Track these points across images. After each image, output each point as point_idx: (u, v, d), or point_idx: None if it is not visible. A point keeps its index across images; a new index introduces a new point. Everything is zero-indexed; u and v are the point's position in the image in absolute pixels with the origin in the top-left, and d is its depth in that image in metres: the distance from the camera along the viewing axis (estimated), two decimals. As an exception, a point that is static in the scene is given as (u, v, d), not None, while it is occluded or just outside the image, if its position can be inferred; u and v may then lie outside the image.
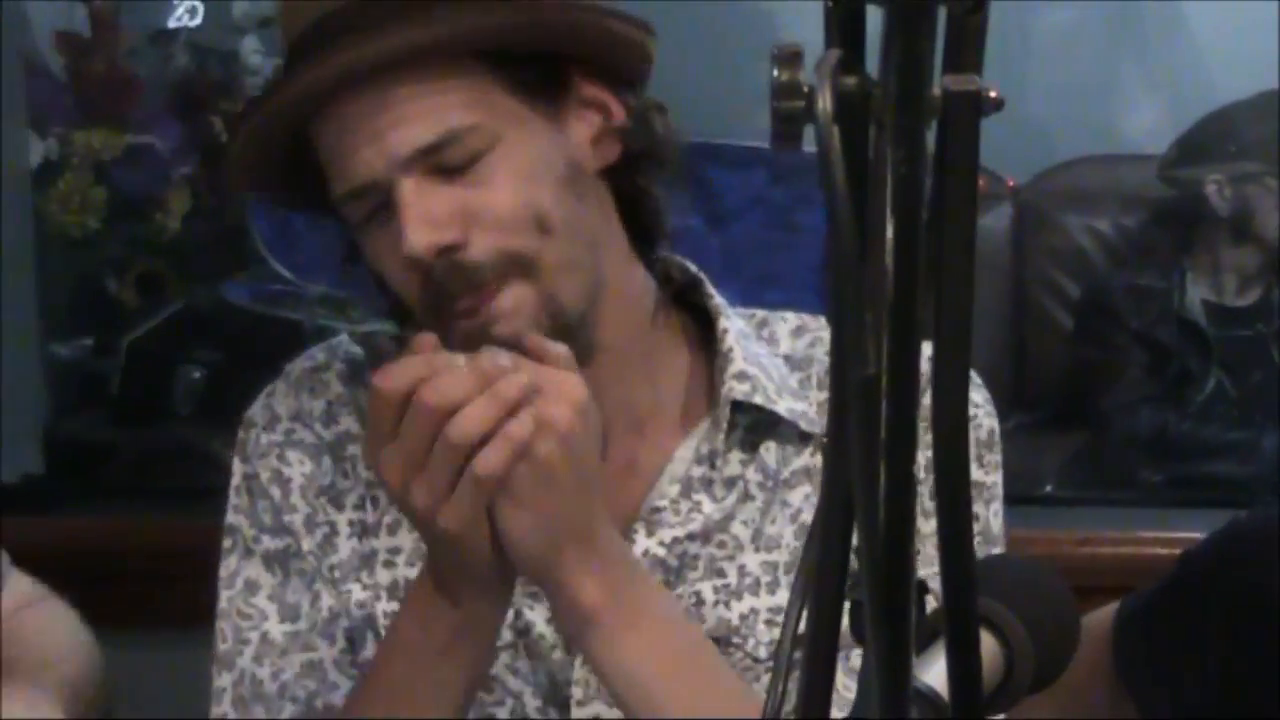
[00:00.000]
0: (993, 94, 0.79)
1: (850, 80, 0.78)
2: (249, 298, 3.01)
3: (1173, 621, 1.92)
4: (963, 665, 0.85)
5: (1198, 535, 1.94)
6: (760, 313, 1.85)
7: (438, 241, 1.59)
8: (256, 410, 1.81)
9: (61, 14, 3.07)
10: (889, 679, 0.79)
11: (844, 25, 0.79)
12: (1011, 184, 3.77)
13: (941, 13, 0.78)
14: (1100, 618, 1.94)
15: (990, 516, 1.75)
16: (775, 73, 0.79)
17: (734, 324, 1.77)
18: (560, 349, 1.58)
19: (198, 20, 3.13)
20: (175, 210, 3.04)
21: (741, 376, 1.74)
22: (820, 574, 0.82)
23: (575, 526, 1.60)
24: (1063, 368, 3.58)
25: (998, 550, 1.74)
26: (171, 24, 3.12)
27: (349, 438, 1.78)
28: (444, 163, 1.61)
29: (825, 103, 0.76)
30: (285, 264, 2.96)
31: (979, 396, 1.76)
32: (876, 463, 0.78)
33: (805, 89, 0.78)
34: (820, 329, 1.80)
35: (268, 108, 1.65)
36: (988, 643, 1.16)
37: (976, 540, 1.71)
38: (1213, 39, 4.00)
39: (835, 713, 0.90)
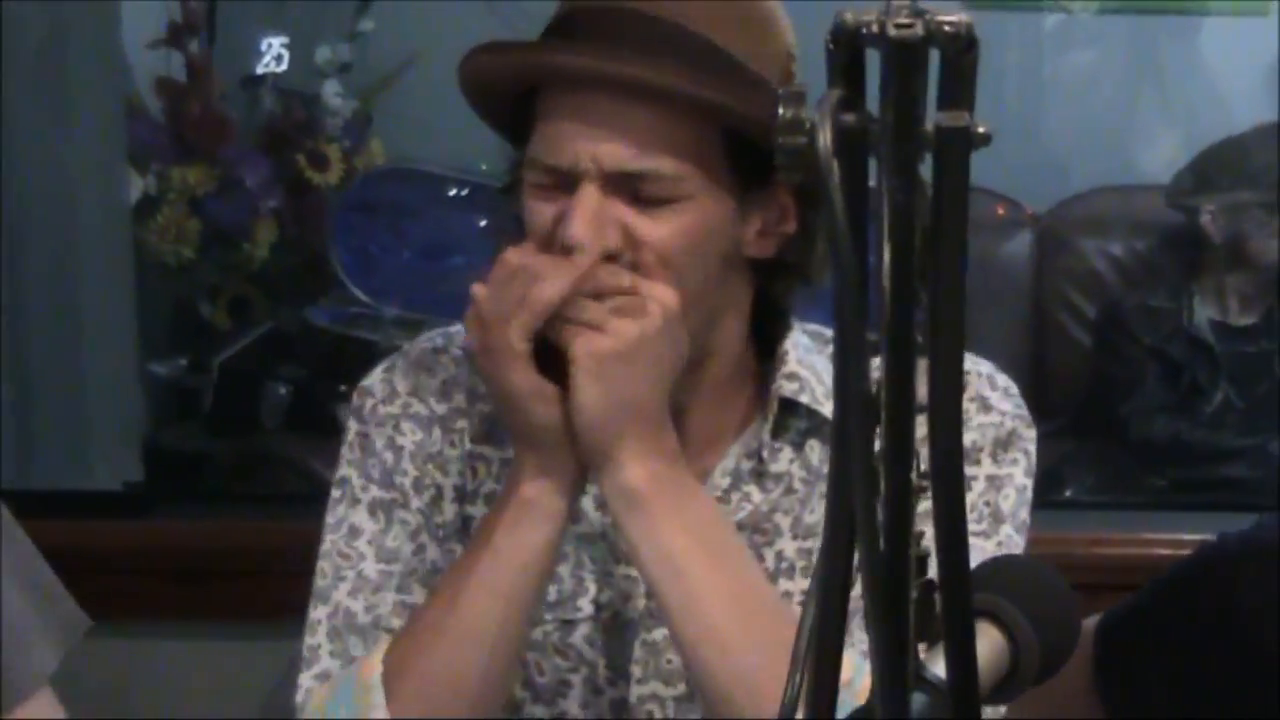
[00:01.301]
0: (981, 130, 0.79)
1: (850, 117, 0.78)
2: (329, 320, 3.02)
3: (1147, 636, 1.90)
4: (960, 653, 0.85)
5: (1206, 537, 1.94)
6: (830, 331, 1.87)
7: (598, 242, 1.61)
8: (375, 382, 1.83)
9: (160, 61, 3.08)
10: (888, 678, 0.79)
11: (845, 66, 0.79)
12: (1031, 212, 3.76)
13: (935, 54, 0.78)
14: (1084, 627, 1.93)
15: (1000, 500, 1.74)
16: (780, 111, 0.79)
17: (797, 336, 1.78)
18: (664, 288, 1.62)
19: (283, 66, 3.14)
20: (263, 240, 3.04)
21: (791, 377, 1.75)
22: (826, 572, 0.82)
23: (640, 412, 1.64)
24: (1081, 381, 3.58)
25: (1008, 528, 1.74)
26: (259, 70, 3.13)
27: (458, 413, 1.80)
28: (636, 189, 1.62)
29: (825, 138, 0.76)
30: (363, 289, 2.97)
31: (1007, 404, 1.76)
32: (874, 470, 0.78)
33: (808, 125, 0.78)
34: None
35: (528, 50, 1.67)
36: (995, 636, 1.15)
37: (987, 520, 1.74)
38: (1227, 75, 3.99)
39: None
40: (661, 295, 1.63)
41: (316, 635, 1.78)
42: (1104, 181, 3.87)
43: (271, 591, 2.09)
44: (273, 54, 3.13)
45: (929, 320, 0.79)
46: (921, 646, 0.93)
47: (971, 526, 1.74)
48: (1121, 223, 3.75)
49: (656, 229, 1.64)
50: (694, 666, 1.69)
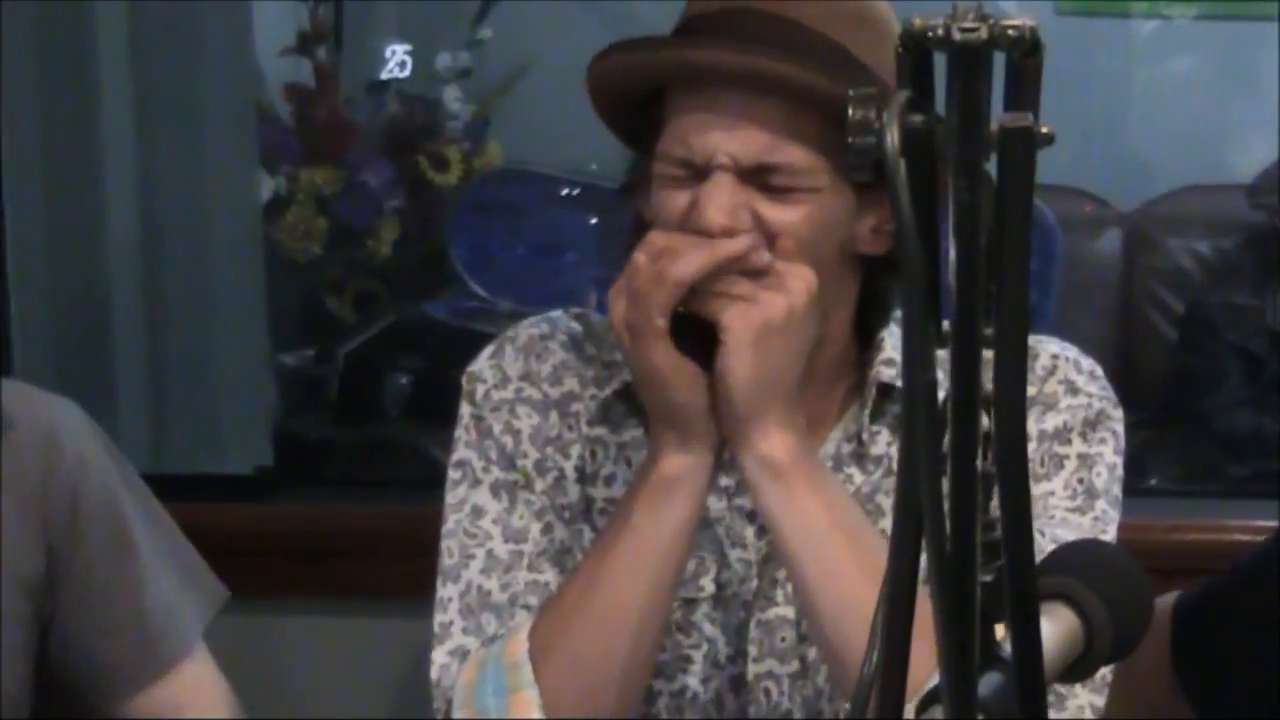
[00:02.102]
0: (1045, 130, 0.78)
1: (917, 118, 0.78)
2: (448, 313, 3.03)
3: (1224, 618, 1.88)
4: (1024, 633, 0.84)
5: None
6: None
7: (727, 225, 1.62)
8: (483, 368, 1.83)
9: (290, 68, 3.10)
10: (953, 660, 0.78)
11: (913, 69, 0.78)
12: (1120, 211, 3.73)
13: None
14: (1160, 606, 1.91)
15: (1093, 478, 1.74)
16: (851, 112, 0.79)
17: (892, 325, 1.78)
18: (806, 268, 1.63)
19: (406, 72, 3.16)
20: (386, 238, 3.05)
21: (889, 363, 1.75)
22: (896, 556, 0.81)
23: (782, 385, 1.65)
24: (1167, 374, 3.54)
25: (1102, 503, 1.74)
26: (383, 76, 3.15)
27: (572, 396, 1.81)
28: (766, 180, 1.64)
29: (893, 138, 0.75)
30: (480, 284, 2.98)
31: (1094, 386, 1.76)
32: (939, 455, 0.77)
33: (877, 126, 0.77)
34: None
35: (663, 47, 1.69)
36: (1070, 618, 1.14)
37: (1082, 496, 1.73)
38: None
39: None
40: (804, 274, 1.64)
41: (448, 612, 1.78)
42: (1191, 181, 3.83)
43: (392, 572, 2.11)
44: (396, 61, 3.15)
45: (994, 314, 0.79)
46: (1000, 627, 0.92)
47: (1066, 504, 1.73)
48: (1208, 221, 3.71)
49: (787, 215, 1.65)
50: (832, 637, 1.68)
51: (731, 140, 1.63)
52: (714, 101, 1.64)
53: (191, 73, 2.76)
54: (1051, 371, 1.77)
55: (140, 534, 2.07)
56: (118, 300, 2.77)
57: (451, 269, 3.02)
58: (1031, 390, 1.74)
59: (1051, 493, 1.73)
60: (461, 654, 1.75)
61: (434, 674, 1.76)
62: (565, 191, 2.92)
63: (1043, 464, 1.74)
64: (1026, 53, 0.77)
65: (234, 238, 2.81)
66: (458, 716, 1.71)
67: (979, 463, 0.81)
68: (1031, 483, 1.69)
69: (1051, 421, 1.74)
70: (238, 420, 2.82)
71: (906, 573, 0.83)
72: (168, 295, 2.78)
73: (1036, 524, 1.66)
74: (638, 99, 1.70)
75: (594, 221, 2.85)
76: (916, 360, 0.75)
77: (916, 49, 0.77)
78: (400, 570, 1.93)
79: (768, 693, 1.77)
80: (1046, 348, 1.79)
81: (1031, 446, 1.72)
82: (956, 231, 0.76)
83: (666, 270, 1.61)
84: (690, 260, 1.62)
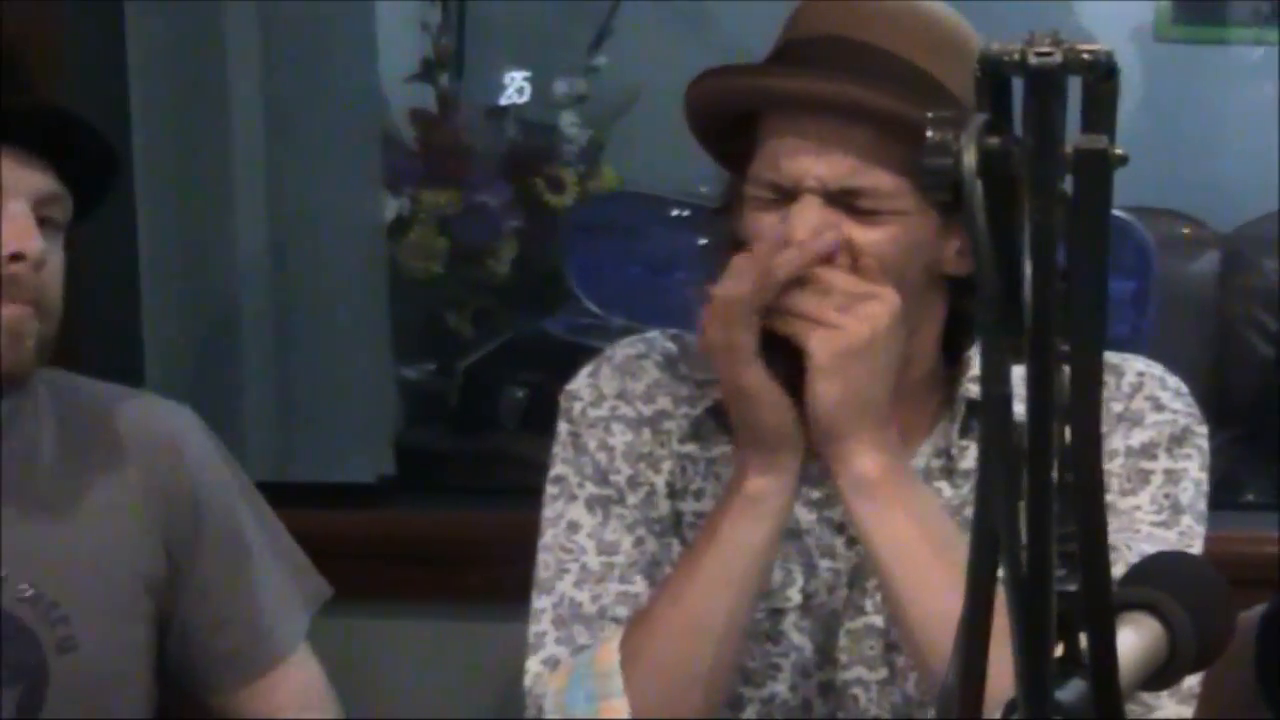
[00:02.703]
0: (1119, 152, 0.77)
1: (994, 140, 0.77)
2: (564, 329, 3.03)
3: None
4: (1100, 643, 0.83)
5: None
6: None
7: (818, 239, 1.64)
8: (581, 386, 1.85)
9: (414, 94, 3.12)
10: (1029, 673, 0.78)
11: (990, 92, 0.78)
12: (1217, 232, 3.69)
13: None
14: (1250, 616, 1.89)
15: (1179, 493, 1.73)
16: (929, 134, 0.78)
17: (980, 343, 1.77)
18: (888, 290, 1.64)
19: (525, 99, 3.17)
20: (504, 257, 3.07)
21: (977, 380, 1.73)
22: (974, 569, 0.81)
23: (870, 407, 1.64)
24: (1262, 392, 3.50)
25: (1188, 519, 1.73)
26: (503, 102, 3.16)
27: (664, 415, 1.82)
28: (853, 204, 1.64)
29: (969, 159, 0.75)
30: (593, 301, 2.98)
31: (1179, 403, 1.75)
32: (1014, 467, 0.76)
33: (955, 148, 0.77)
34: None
35: (756, 74, 1.71)
36: (1154, 627, 1.13)
37: (1168, 511, 1.71)
38: None
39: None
40: (888, 297, 1.64)
41: (542, 623, 1.79)
42: (1287, 205, 3.79)
43: (504, 577, 2.10)
44: (515, 87, 3.16)
45: (1070, 332, 0.78)
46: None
47: (1151, 518, 1.72)
48: (1304, 243, 3.67)
49: (872, 237, 1.65)
50: (919, 647, 1.68)
51: (819, 164, 1.63)
52: (803, 127, 1.65)
53: (320, 99, 2.78)
54: (1138, 388, 1.75)
55: (253, 534, 2.09)
56: (247, 314, 2.80)
57: (566, 287, 3.02)
58: (1118, 407, 1.73)
59: (1138, 507, 1.71)
60: (553, 663, 1.76)
61: (527, 682, 1.77)
62: (675, 212, 2.92)
63: (1129, 479, 1.72)
64: (1102, 77, 0.77)
65: (359, 256, 2.83)
66: None
67: (1055, 475, 0.80)
68: (1118, 498, 1.71)
69: (1138, 437, 1.73)
70: (361, 430, 2.84)
71: (984, 583, 0.82)
72: (295, 310, 2.80)
73: (1122, 538, 1.65)
74: (730, 122, 1.71)
75: (702, 242, 2.84)
76: (991, 375, 0.74)
77: (994, 73, 0.77)
78: (512, 575, 1.93)
79: (855, 699, 1.77)
80: (1133, 365, 1.77)
81: (1118, 462, 1.71)
82: (1032, 250, 0.75)
83: (757, 279, 1.62)
84: (784, 260, 1.62)
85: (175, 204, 2.76)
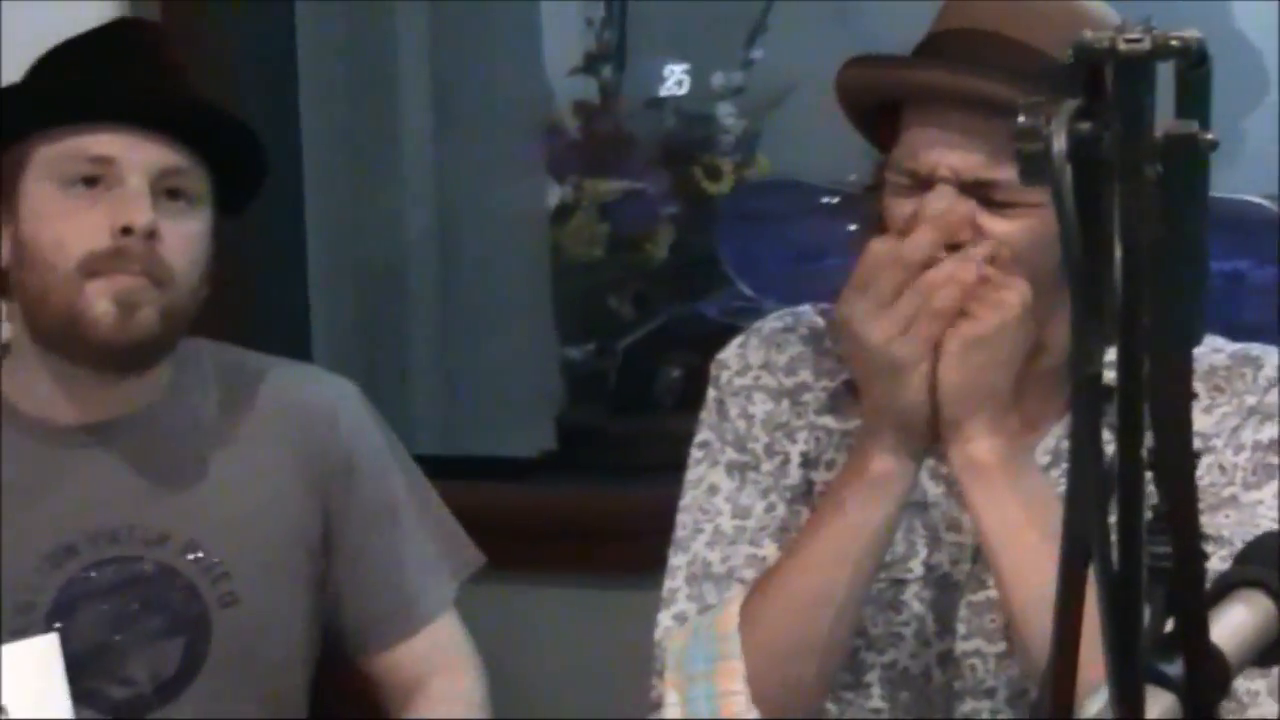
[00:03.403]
0: (1209, 137, 0.75)
1: (1085, 125, 0.75)
2: (719, 312, 3.02)
3: None
4: (1191, 629, 0.81)
5: None
6: None
7: (945, 241, 1.63)
8: (729, 355, 1.86)
9: (578, 86, 3.12)
10: (1118, 660, 0.76)
11: (1083, 79, 0.76)
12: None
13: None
14: None
15: None
16: (1020, 119, 0.77)
17: None
18: (1020, 280, 1.62)
19: (684, 90, 3.15)
20: (662, 242, 3.06)
21: (1110, 366, 1.71)
22: (1069, 546, 0.79)
23: (992, 394, 1.64)
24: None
25: None
26: (662, 93, 3.15)
27: (804, 387, 1.82)
28: (986, 194, 1.63)
29: (1059, 144, 0.74)
30: (748, 285, 2.96)
31: None
32: (1100, 448, 0.75)
33: (1045, 133, 0.75)
34: (1212, 351, 1.75)
35: (895, 67, 1.71)
36: (1265, 603, 1.11)
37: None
38: None
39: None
40: (1019, 287, 1.62)
41: (675, 580, 1.80)
42: None
43: (659, 553, 2.10)
44: (674, 79, 3.14)
45: (1158, 315, 0.76)
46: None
47: (1271, 514, 1.68)
48: None
49: (1005, 228, 1.64)
50: (1021, 628, 1.67)
51: (953, 156, 1.63)
52: (939, 118, 1.64)
53: (487, 90, 2.80)
54: (1275, 383, 1.72)
55: (405, 502, 2.11)
56: (414, 294, 2.82)
57: (722, 271, 3.00)
58: (1251, 400, 1.70)
59: (1260, 502, 1.68)
60: (682, 619, 1.77)
61: (657, 635, 1.79)
62: (825, 200, 2.89)
63: (1254, 473, 1.69)
64: (1193, 63, 0.75)
65: (522, 240, 2.85)
66: (669, 676, 1.73)
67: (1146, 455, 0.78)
68: (1241, 491, 1.68)
69: (1267, 432, 1.69)
70: (524, 407, 2.85)
71: (1075, 566, 0.80)
72: (461, 291, 2.82)
73: (1240, 532, 1.62)
74: (876, 108, 1.71)
75: (852, 228, 2.83)
76: (1081, 356, 0.73)
77: (1086, 59, 0.75)
78: (663, 551, 1.93)
79: (974, 669, 1.76)
80: (1271, 359, 1.74)
81: (1245, 456, 1.68)
82: (1121, 235, 0.74)
83: (898, 251, 1.62)
84: (918, 238, 1.62)
85: (344, 187, 2.79)
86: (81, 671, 1.91)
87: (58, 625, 1.89)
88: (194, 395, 2.06)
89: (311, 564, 2.06)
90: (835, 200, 2.87)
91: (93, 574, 1.96)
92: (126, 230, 1.88)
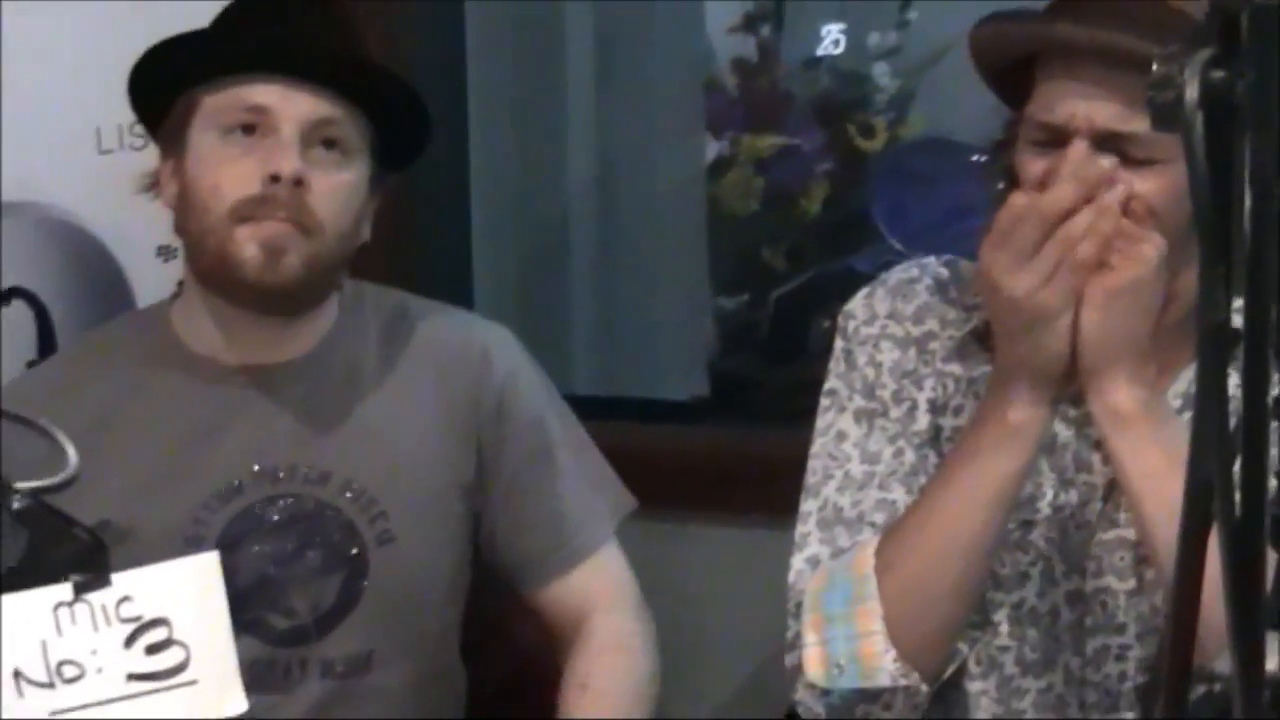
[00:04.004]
0: (1343, 87, 0.72)
1: (1219, 74, 0.73)
2: (869, 266, 2.97)
3: None
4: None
5: None
6: None
7: (1084, 194, 1.60)
8: (857, 306, 1.86)
9: (737, 45, 3.10)
10: (1241, 615, 0.73)
11: (1219, 28, 0.73)
12: None
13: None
14: None
15: None
16: (1154, 68, 0.75)
17: None
18: (1155, 234, 1.61)
19: (839, 50, 3.12)
20: (815, 197, 3.04)
21: (1239, 311, 1.68)
22: (1192, 493, 0.77)
23: (1130, 344, 1.62)
24: None
25: None
26: (819, 53, 3.12)
27: (931, 335, 1.81)
28: (1121, 149, 1.62)
29: (1191, 92, 0.71)
30: (898, 240, 2.94)
31: None
32: (1225, 396, 0.72)
33: (1178, 81, 0.73)
34: None
35: (1035, 22, 1.69)
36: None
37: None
38: None
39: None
40: (1155, 240, 1.61)
41: (807, 525, 1.80)
42: None
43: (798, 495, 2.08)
44: (831, 39, 3.12)
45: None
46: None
47: None
48: None
49: (1141, 183, 1.62)
50: (1166, 569, 1.64)
51: (1088, 108, 1.61)
52: (1074, 72, 1.62)
53: (649, 47, 2.80)
54: None
55: (558, 445, 2.10)
56: (575, 243, 2.83)
57: (873, 226, 2.98)
58: None
59: None
60: (814, 562, 1.76)
61: (790, 577, 1.78)
62: (975, 159, 2.85)
63: None
64: (1329, 13, 0.72)
65: (680, 193, 2.85)
66: (806, 618, 1.72)
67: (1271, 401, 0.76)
68: None
69: None
70: (678, 353, 2.85)
71: (1198, 513, 0.78)
72: (619, 240, 2.83)
73: None
74: (1011, 64, 1.69)
75: (1000, 187, 2.80)
76: (1207, 304, 0.71)
77: (1222, 8, 0.73)
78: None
79: (1104, 605, 1.74)
80: None
81: None
82: (1251, 183, 0.71)
83: (1038, 205, 1.60)
84: (1058, 193, 1.60)
85: (508, 139, 2.79)
86: (247, 602, 1.93)
87: (227, 556, 1.92)
88: (356, 339, 2.07)
89: (465, 504, 2.07)
90: (984, 159, 2.84)
91: (257, 510, 1.98)
92: (274, 178, 1.89)
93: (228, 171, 1.92)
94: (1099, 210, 1.59)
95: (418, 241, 2.69)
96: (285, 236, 1.91)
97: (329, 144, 1.94)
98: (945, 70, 3.06)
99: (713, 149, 3.00)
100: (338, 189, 1.94)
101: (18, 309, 2.24)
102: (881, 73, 3.10)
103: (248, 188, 1.90)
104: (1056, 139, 1.64)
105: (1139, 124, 1.59)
